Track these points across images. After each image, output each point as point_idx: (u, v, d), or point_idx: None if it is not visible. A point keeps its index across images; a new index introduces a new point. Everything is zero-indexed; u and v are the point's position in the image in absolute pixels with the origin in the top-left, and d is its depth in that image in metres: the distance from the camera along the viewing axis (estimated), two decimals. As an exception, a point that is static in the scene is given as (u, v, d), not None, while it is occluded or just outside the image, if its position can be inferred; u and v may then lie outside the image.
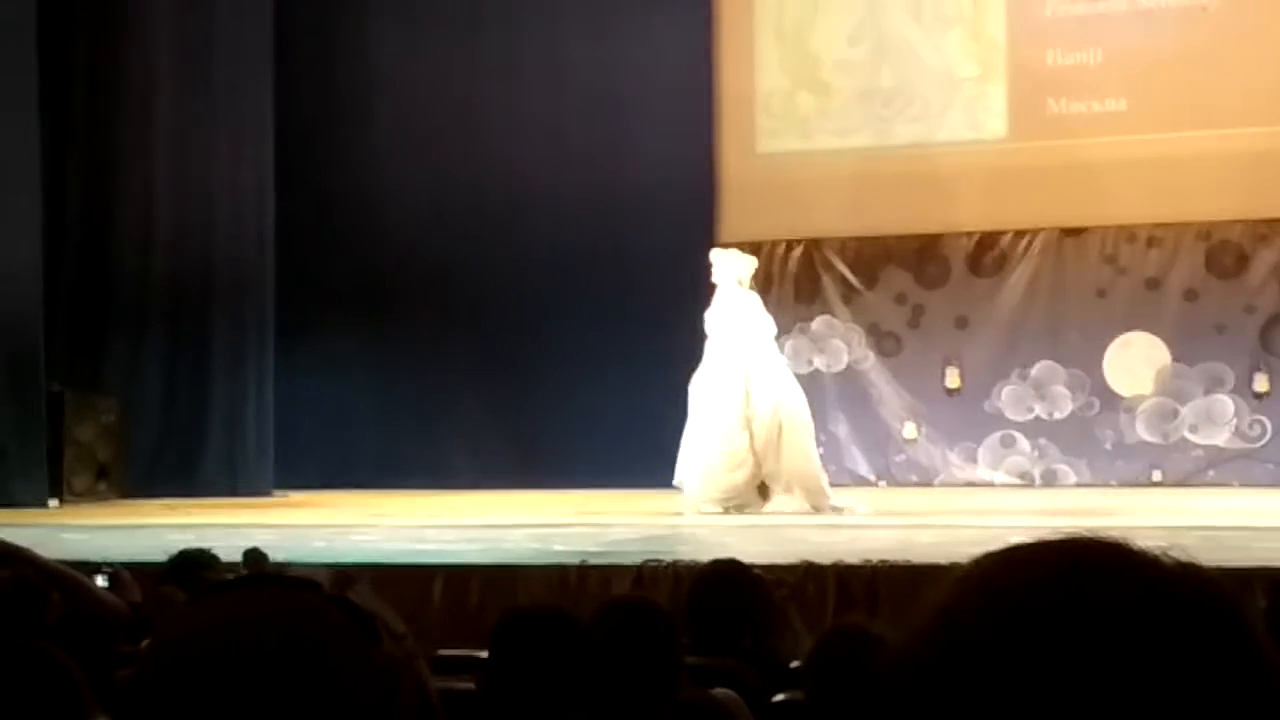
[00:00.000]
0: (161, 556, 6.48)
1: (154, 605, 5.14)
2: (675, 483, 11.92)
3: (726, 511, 11.65)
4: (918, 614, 1.06)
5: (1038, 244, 15.61)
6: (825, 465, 15.67)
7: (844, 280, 16.01)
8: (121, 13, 15.80)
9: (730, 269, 12.19)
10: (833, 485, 15.23)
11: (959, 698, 0.99)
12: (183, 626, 1.27)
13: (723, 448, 11.74)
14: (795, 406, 11.97)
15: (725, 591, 5.73)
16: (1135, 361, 15.29)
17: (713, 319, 12.06)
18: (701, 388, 11.93)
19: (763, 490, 11.91)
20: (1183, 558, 1.05)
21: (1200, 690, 0.98)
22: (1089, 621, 0.98)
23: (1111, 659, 0.97)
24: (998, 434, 15.51)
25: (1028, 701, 0.97)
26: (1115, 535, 1.06)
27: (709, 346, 12.05)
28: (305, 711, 1.18)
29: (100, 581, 5.11)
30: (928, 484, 15.45)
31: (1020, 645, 0.98)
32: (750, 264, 12.36)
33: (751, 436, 11.75)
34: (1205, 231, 15.23)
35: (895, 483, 15.59)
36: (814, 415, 15.57)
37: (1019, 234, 15.67)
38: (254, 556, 6.41)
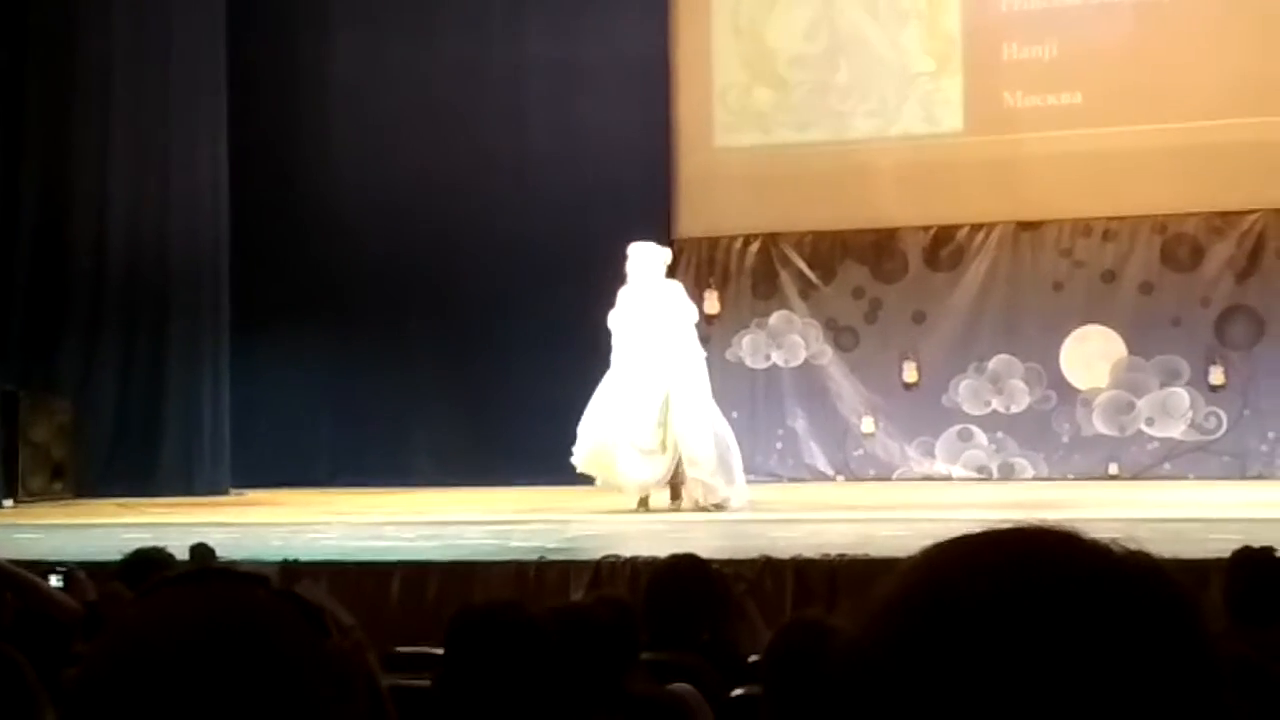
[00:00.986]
0: (117, 556, 6.45)
1: (109, 604, 5.11)
2: (578, 465, 11.89)
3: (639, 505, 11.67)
4: (868, 604, 1.05)
5: (994, 238, 15.65)
6: (784, 459, 15.80)
7: (801, 275, 16.02)
8: (76, 12, 15.71)
9: (653, 261, 12.18)
10: (791, 480, 15.40)
11: (909, 686, 0.99)
12: (129, 623, 1.26)
13: (636, 441, 11.66)
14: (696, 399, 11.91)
15: (684, 586, 5.73)
16: (1092, 355, 15.35)
17: (626, 313, 12.01)
18: (617, 378, 11.86)
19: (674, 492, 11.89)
20: (1134, 547, 1.05)
21: (1147, 676, 0.98)
22: (1038, 609, 0.98)
23: (1060, 646, 0.97)
24: (955, 428, 15.54)
25: (977, 689, 0.97)
26: (1067, 526, 1.06)
27: (617, 343, 12.03)
28: (254, 705, 1.17)
29: (54, 581, 5.08)
30: (886, 478, 15.47)
31: (969, 633, 0.98)
32: (667, 256, 12.39)
33: (666, 433, 11.68)
34: (1161, 225, 15.29)
35: (854, 477, 15.61)
36: (772, 410, 15.68)
37: (975, 228, 15.70)
38: (201, 552, 6.38)
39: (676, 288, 12.29)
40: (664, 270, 12.31)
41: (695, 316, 12.28)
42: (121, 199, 15.64)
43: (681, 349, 11.91)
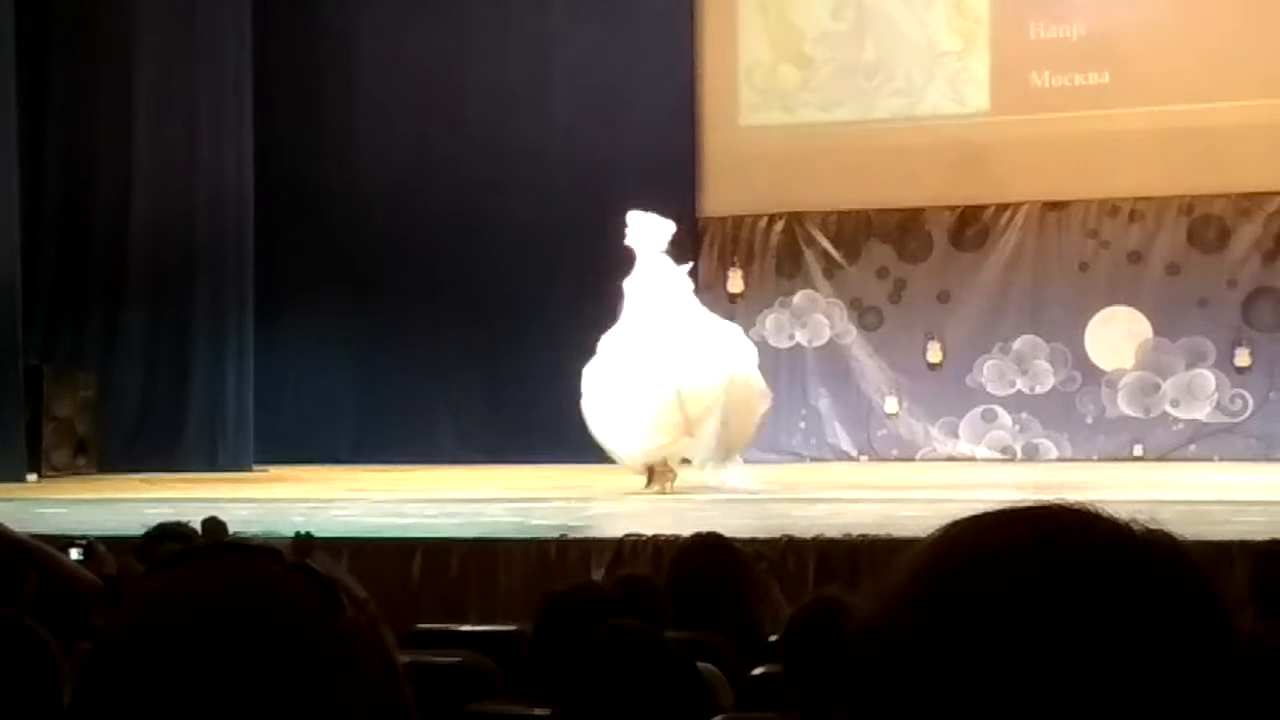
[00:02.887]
0: (139, 530, 6.46)
1: (128, 578, 5.12)
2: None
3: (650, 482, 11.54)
4: (886, 583, 1.05)
5: (1020, 218, 15.61)
6: (807, 439, 15.78)
7: (826, 254, 16.00)
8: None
9: (650, 233, 12.05)
10: (814, 460, 15.38)
11: (927, 665, 0.98)
12: (140, 597, 1.25)
13: (651, 413, 11.49)
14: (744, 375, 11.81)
15: (707, 565, 5.73)
16: (1117, 336, 15.31)
17: (637, 285, 11.89)
18: (624, 351, 11.71)
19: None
20: (1153, 526, 1.04)
21: (1167, 654, 0.97)
22: (1057, 587, 0.97)
23: (1079, 623, 0.96)
24: (979, 408, 15.51)
25: (994, 668, 0.96)
26: (1086, 505, 1.05)
27: (629, 310, 11.89)
28: (266, 679, 1.17)
29: (75, 555, 5.09)
30: (909, 458, 15.46)
31: (988, 611, 0.97)
32: (670, 229, 12.22)
33: (684, 404, 11.49)
34: (1188, 205, 15.24)
35: (877, 457, 15.60)
36: (795, 390, 15.66)
37: (1001, 208, 15.67)
38: (212, 525, 6.38)
39: (670, 264, 12.09)
40: (665, 244, 12.11)
41: (691, 288, 12.15)
42: (146, 175, 15.65)
43: (686, 324, 11.77)
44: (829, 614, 3.94)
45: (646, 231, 12.04)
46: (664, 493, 11.36)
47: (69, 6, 15.68)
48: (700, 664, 4.53)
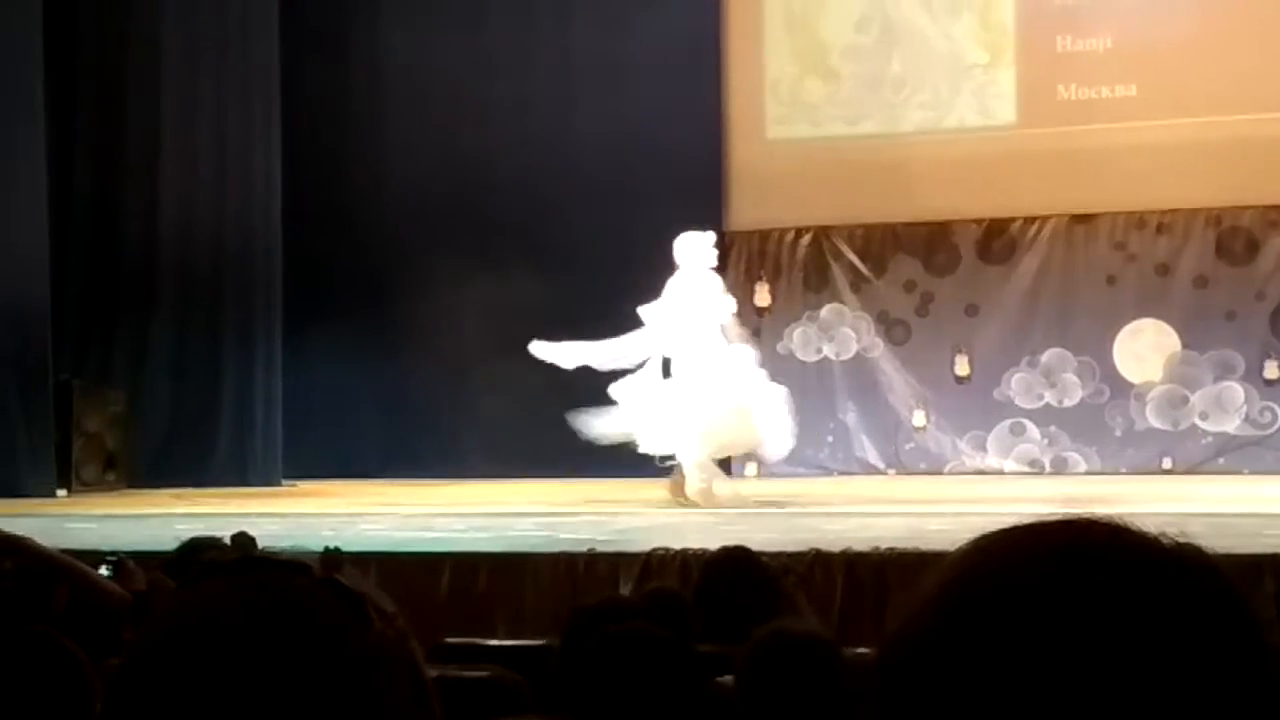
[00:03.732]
0: (169, 546, 6.47)
1: (158, 594, 5.13)
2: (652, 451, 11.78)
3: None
4: (916, 596, 1.05)
5: (1047, 230, 15.58)
6: (834, 453, 15.76)
7: (853, 268, 15.99)
8: (129, 2, 15.79)
9: (699, 250, 12.12)
10: (841, 473, 15.36)
11: (957, 678, 0.98)
12: (170, 612, 1.25)
13: (707, 416, 11.58)
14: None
15: (734, 579, 5.73)
16: (1145, 348, 15.27)
17: (676, 305, 11.94)
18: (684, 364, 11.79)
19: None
20: (1183, 540, 1.04)
21: (1197, 669, 0.96)
22: (1086, 601, 0.97)
23: (1108, 638, 0.96)
24: (1007, 422, 15.48)
25: (1027, 681, 0.96)
26: (1115, 518, 1.05)
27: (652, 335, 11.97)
28: (296, 694, 1.17)
29: (105, 571, 5.10)
30: (937, 472, 15.43)
31: (1017, 625, 0.97)
32: (710, 240, 12.29)
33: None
34: (1215, 218, 15.20)
35: (905, 471, 15.57)
36: (823, 403, 15.63)
37: (1028, 220, 15.64)
38: (241, 540, 6.40)
39: (718, 281, 12.22)
40: (713, 259, 12.23)
41: (734, 308, 12.23)
42: (175, 189, 15.70)
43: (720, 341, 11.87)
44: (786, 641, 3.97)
45: (696, 249, 12.08)
46: (701, 506, 11.38)
47: (97, 18, 15.74)
48: (728, 677, 4.53)
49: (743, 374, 11.71)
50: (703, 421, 11.46)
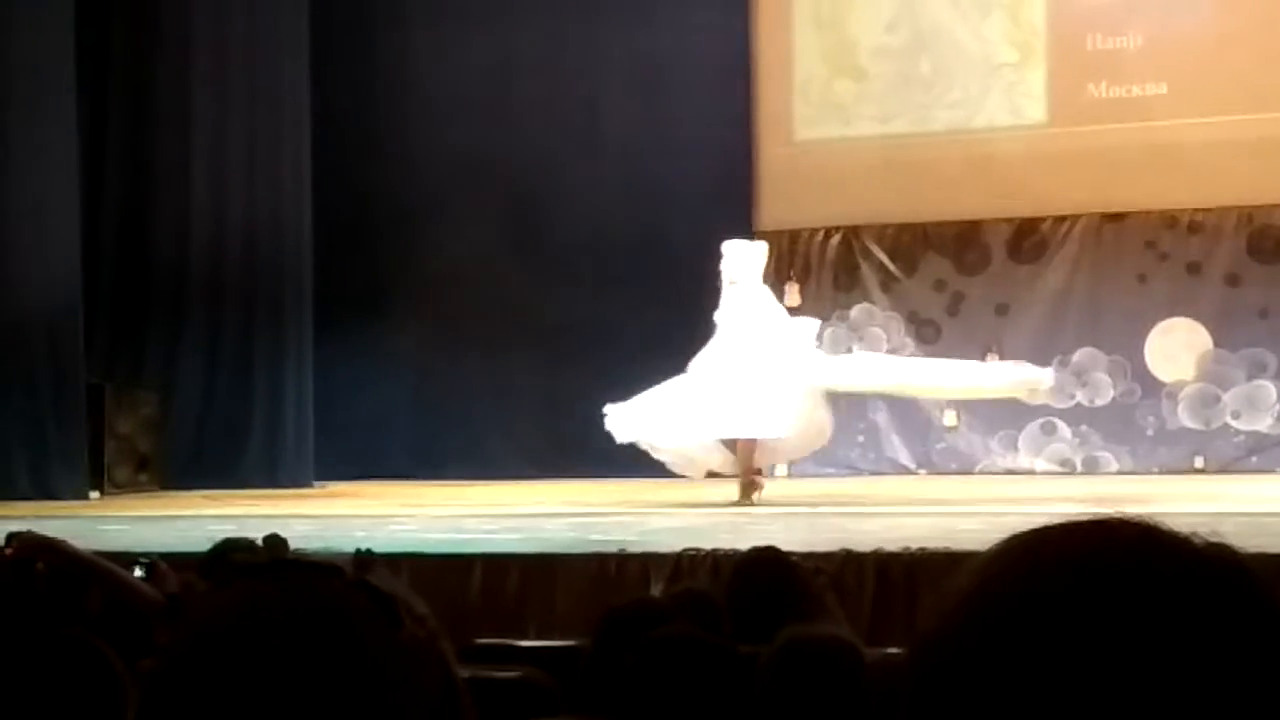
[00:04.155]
0: (201, 547, 6.49)
1: (190, 596, 5.15)
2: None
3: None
4: (947, 596, 1.05)
5: (1078, 230, 15.55)
6: (865, 453, 15.75)
7: (883, 268, 15.97)
8: (159, 7, 15.85)
9: (749, 260, 12.09)
10: (872, 473, 15.35)
11: (988, 678, 0.98)
12: (203, 615, 1.26)
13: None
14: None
15: (764, 580, 5.72)
16: (1177, 347, 15.22)
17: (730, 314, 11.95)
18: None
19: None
20: (1215, 540, 1.04)
21: (1229, 669, 0.96)
22: (1117, 601, 0.97)
23: (1140, 638, 0.96)
24: (1038, 421, 15.44)
25: (1057, 681, 0.96)
26: (1147, 518, 1.05)
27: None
28: (328, 695, 1.17)
29: (138, 573, 5.12)
30: (968, 472, 15.41)
31: (1048, 625, 0.97)
32: (762, 250, 12.31)
33: None
34: (1247, 216, 15.15)
35: (936, 471, 15.55)
36: (854, 403, 15.60)
37: (1059, 220, 15.61)
38: (273, 542, 6.40)
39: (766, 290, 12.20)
40: (761, 266, 12.19)
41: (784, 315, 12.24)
42: (205, 193, 15.77)
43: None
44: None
45: (745, 259, 12.04)
46: (752, 504, 11.43)
47: (128, 28, 15.80)
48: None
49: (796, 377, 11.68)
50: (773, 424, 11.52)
